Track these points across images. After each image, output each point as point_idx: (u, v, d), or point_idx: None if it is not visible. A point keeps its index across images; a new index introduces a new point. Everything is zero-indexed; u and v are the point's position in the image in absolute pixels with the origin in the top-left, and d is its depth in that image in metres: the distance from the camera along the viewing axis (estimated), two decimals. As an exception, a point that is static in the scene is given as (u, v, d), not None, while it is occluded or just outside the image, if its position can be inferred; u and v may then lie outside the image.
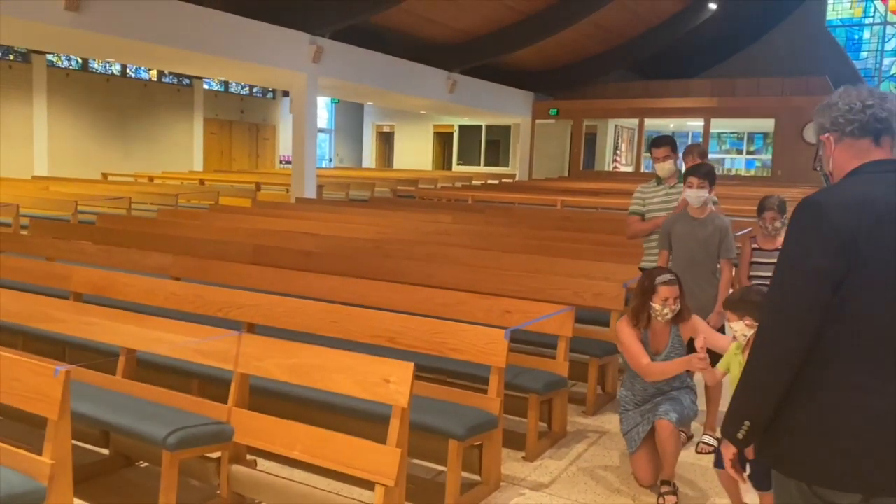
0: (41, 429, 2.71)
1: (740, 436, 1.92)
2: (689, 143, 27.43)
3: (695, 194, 4.48)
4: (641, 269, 5.03)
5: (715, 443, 4.21)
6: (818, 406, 1.83)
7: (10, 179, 15.49)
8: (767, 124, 22.99)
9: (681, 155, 5.55)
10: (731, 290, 4.68)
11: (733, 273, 4.61)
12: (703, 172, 4.50)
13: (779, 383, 1.84)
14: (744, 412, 1.92)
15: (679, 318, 3.81)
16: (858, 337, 1.79)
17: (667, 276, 3.78)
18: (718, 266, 4.59)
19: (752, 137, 27.47)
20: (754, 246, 4.70)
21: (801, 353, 1.81)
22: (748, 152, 27.77)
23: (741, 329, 3.20)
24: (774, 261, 4.50)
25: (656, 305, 3.74)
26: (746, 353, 3.22)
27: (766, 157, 25.65)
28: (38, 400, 2.70)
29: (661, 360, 3.78)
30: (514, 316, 4.38)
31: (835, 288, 1.78)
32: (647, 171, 25.75)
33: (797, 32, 25.78)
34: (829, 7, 27.00)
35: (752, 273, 4.67)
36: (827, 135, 1.97)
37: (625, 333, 3.82)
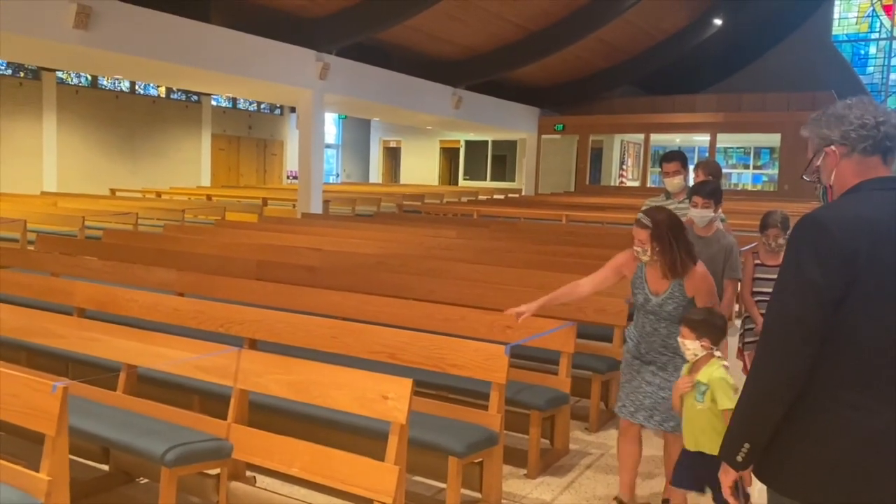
0: (40, 444, 2.71)
1: (739, 458, 1.88)
2: (697, 158, 27.50)
3: (699, 213, 4.42)
4: None
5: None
6: (814, 425, 1.81)
7: (18, 195, 15.60)
8: (774, 139, 22.99)
9: (691, 170, 5.52)
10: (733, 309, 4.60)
11: (736, 291, 4.55)
12: (708, 191, 4.42)
13: (780, 403, 1.81)
14: (743, 434, 1.88)
15: (669, 269, 3.49)
16: (856, 357, 1.77)
17: (639, 216, 3.56)
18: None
19: (758, 152, 27.47)
20: (757, 262, 4.66)
21: (803, 373, 1.78)
22: (755, 167, 27.76)
23: (695, 348, 3.13)
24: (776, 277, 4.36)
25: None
26: (693, 375, 3.14)
27: (773, 171, 25.63)
28: (36, 416, 2.70)
29: (658, 302, 3.54)
30: (516, 331, 4.36)
31: (834, 306, 1.76)
32: (653, 185, 25.75)
33: (803, 48, 25.84)
34: (835, 22, 27.06)
35: (754, 289, 4.63)
36: (833, 147, 1.93)
37: (616, 256, 3.72)
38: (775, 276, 4.32)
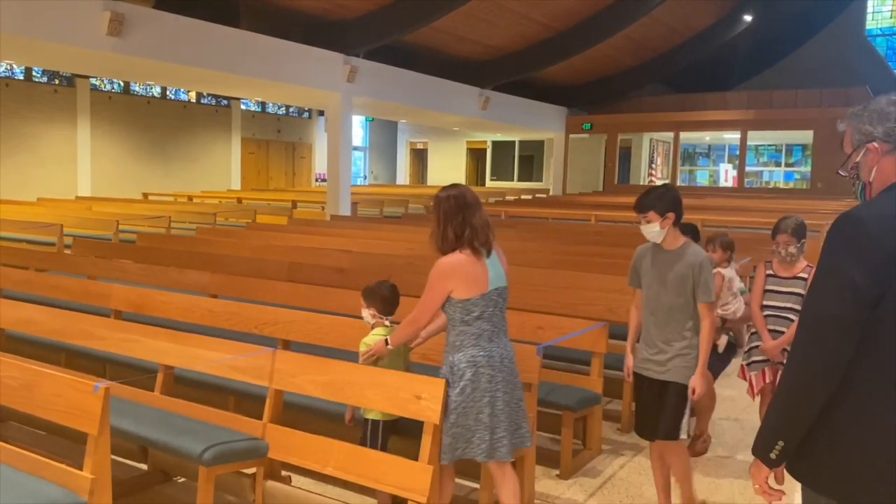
0: (82, 444, 2.78)
1: (773, 456, 1.87)
2: (728, 156, 27.11)
3: (644, 230, 3.52)
4: None
5: None
6: (850, 424, 1.79)
7: (54, 200, 15.93)
8: (806, 136, 22.65)
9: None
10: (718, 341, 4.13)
11: (715, 317, 3.58)
12: (642, 206, 3.51)
13: (815, 402, 1.80)
14: (777, 432, 1.87)
15: (432, 242, 3.31)
16: (893, 356, 1.75)
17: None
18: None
19: (790, 149, 27.05)
20: (769, 272, 4.17)
21: (839, 371, 1.76)
22: (787, 164, 27.35)
23: (366, 317, 3.53)
24: (790, 290, 4.01)
25: None
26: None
27: (805, 169, 25.23)
28: (78, 416, 2.76)
29: None
30: (547, 332, 4.36)
31: (872, 305, 1.74)
32: (682, 183, 25.52)
33: (836, 43, 25.41)
34: (869, 17, 26.57)
35: (765, 302, 4.13)
36: (875, 144, 1.90)
37: None
38: (788, 290, 4.00)
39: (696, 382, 3.37)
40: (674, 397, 3.38)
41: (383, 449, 3.31)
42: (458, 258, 3.15)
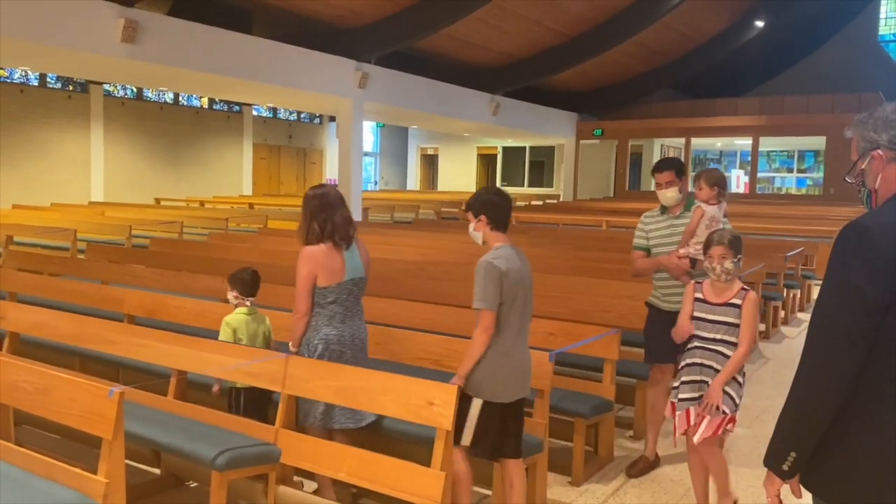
0: (96, 448, 2.79)
1: (786, 467, 1.86)
2: (739, 162, 27.01)
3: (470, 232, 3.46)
4: (647, 304, 4.47)
5: None
6: (861, 435, 1.78)
7: (68, 205, 16.05)
8: (818, 142, 22.55)
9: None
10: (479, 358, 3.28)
11: (486, 327, 3.26)
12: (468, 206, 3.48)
13: (826, 412, 1.79)
14: (789, 443, 1.86)
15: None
16: None
17: None
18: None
19: (802, 155, 26.93)
20: (697, 295, 3.53)
21: (849, 380, 1.75)
22: (799, 170, 27.22)
23: (231, 299, 3.99)
24: (720, 318, 3.51)
25: None
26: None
27: (818, 175, 25.11)
28: (93, 420, 2.78)
29: None
30: (559, 338, 4.35)
31: (881, 313, 1.73)
32: (693, 190, 25.34)
33: (848, 48, 25.30)
34: (881, 22, 26.45)
35: (695, 332, 3.52)
36: (879, 151, 1.90)
37: None
38: (719, 319, 3.51)
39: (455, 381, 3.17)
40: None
41: (253, 415, 3.66)
42: (318, 248, 3.63)
